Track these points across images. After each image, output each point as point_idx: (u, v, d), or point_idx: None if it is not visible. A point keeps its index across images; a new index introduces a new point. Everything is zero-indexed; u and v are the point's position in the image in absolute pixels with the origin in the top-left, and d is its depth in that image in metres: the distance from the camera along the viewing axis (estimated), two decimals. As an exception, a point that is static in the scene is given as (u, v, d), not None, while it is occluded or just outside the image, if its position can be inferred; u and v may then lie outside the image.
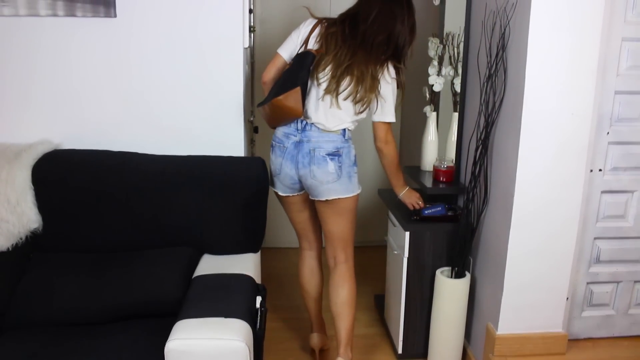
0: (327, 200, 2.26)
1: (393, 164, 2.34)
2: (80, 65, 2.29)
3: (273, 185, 2.37)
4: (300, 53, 2.22)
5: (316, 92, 2.21)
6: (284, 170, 2.28)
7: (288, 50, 2.26)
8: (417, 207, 2.50)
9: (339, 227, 2.35)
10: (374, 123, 2.26)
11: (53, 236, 2.15)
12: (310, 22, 2.25)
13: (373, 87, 2.16)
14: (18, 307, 1.95)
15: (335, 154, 2.21)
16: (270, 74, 2.28)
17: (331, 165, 2.21)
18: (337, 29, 2.19)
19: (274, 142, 2.31)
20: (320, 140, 2.21)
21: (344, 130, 2.23)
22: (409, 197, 2.49)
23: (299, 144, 2.23)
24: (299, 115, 2.19)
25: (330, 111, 2.19)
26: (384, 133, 2.26)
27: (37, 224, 2.13)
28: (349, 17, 2.21)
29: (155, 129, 2.37)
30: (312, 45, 2.21)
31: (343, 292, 2.40)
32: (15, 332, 1.89)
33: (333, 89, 2.17)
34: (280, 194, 2.39)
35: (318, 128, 2.21)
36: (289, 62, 2.27)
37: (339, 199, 2.25)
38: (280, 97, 2.14)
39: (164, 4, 2.26)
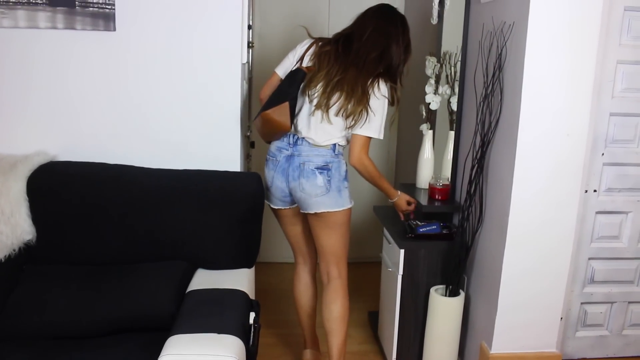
0: (316, 213, 2.27)
1: (373, 178, 2.32)
2: (78, 77, 2.29)
3: (267, 198, 2.38)
4: (292, 70, 2.26)
5: (308, 108, 2.23)
6: (275, 183, 2.30)
7: (283, 69, 2.31)
8: (408, 210, 2.52)
9: (331, 242, 2.35)
10: (352, 136, 2.24)
11: (47, 248, 2.14)
12: (306, 42, 2.29)
13: (363, 100, 2.17)
14: (9, 319, 1.93)
15: (324, 168, 2.23)
16: (266, 91, 2.33)
17: (320, 179, 2.22)
18: (331, 48, 2.22)
19: (268, 156, 2.34)
20: (310, 155, 2.23)
21: (334, 145, 2.24)
22: (399, 205, 2.50)
23: (290, 157, 2.25)
24: (287, 129, 2.21)
25: (320, 126, 2.21)
26: (359, 149, 2.23)
27: (31, 235, 2.12)
28: (343, 36, 2.25)
29: (151, 142, 2.37)
30: (306, 63, 2.24)
31: (336, 308, 2.40)
32: (6, 344, 1.87)
33: (323, 104, 2.19)
34: (272, 206, 2.41)
35: (309, 143, 2.24)
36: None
37: (328, 212, 2.26)
38: (269, 111, 2.18)
39: (163, 19, 2.27)
